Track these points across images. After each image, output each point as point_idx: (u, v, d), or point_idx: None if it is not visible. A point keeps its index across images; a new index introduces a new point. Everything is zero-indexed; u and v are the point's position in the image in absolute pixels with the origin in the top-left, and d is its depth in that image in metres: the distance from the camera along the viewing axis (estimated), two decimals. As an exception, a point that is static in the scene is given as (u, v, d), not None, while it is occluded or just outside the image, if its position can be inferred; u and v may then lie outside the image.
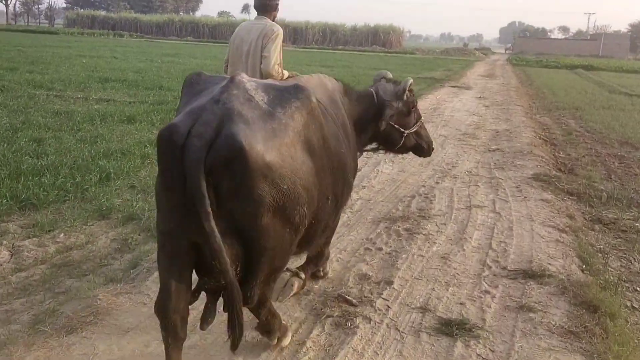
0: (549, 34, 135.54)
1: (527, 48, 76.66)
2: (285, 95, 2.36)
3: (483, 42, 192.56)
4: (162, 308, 2.26)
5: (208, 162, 2.03)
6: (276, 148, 2.17)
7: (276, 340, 2.89)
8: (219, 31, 78.59)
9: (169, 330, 2.29)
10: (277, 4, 4.47)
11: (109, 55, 26.61)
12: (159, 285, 2.32)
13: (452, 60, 45.99)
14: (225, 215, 2.12)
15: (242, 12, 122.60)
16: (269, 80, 2.89)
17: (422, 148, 3.97)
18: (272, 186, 2.15)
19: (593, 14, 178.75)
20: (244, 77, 2.37)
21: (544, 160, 7.87)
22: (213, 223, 2.01)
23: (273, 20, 4.42)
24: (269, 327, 2.84)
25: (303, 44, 74.32)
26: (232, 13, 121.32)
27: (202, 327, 2.47)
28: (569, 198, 6.21)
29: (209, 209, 2.00)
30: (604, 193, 6.39)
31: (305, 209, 2.33)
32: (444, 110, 13.27)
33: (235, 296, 2.17)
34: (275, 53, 4.21)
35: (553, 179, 6.77)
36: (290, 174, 2.21)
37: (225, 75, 3.03)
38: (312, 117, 2.43)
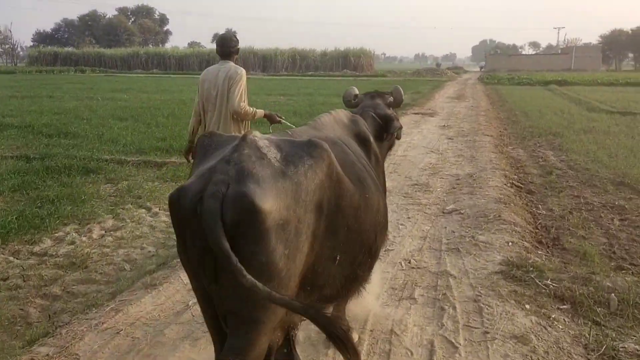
0: (520, 50, 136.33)
1: (498, 65, 76.07)
2: (299, 152, 2.27)
3: (456, 60, 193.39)
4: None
5: (224, 221, 1.97)
6: (286, 208, 2.08)
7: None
8: (187, 62, 76.88)
9: None
10: (238, 49, 5.01)
11: (45, 94, 24.46)
12: None
13: (423, 81, 44.24)
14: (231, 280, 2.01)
15: (212, 41, 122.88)
16: (283, 136, 2.56)
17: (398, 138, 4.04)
18: (281, 249, 2.06)
19: (562, 28, 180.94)
20: (256, 136, 2.31)
21: (517, 229, 5.53)
22: (248, 275, 1.90)
23: (235, 62, 4.95)
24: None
25: (273, 71, 73.24)
26: (202, 43, 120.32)
27: None
28: (559, 313, 3.84)
29: (239, 265, 1.90)
30: (613, 296, 4.05)
31: (310, 275, 2.30)
32: (397, 148, 10.97)
33: (323, 320, 2.16)
34: (239, 93, 4.74)
35: (531, 273, 4.40)
36: (297, 236, 2.13)
37: (237, 134, 2.70)
38: (327, 174, 2.30)
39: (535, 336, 3.44)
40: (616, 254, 5.29)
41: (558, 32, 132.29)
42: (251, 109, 4.87)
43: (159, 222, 5.99)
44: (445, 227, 5.68)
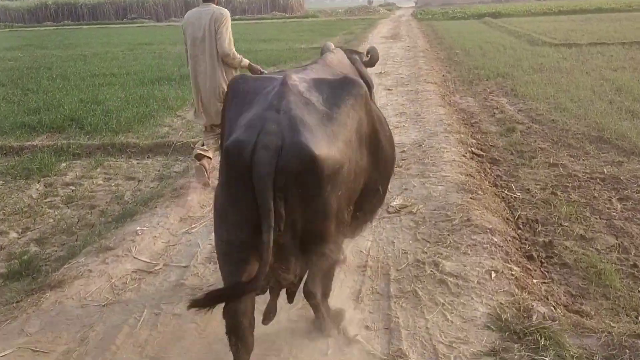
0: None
1: (431, 0, 74.05)
2: (338, 92, 2.30)
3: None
4: (231, 313, 2.21)
5: (278, 174, 1.98)
6: (338, 151, 2.12)
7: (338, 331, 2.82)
8: (101, 11, 69.99)
9: (238, 335, 2.25)
10: None
11: None
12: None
13: (355, 20, 41.69)
14: (290, 226, 2.07)
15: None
16: (317, 76, 2.53)
17: None
18: (334, 191, 2.12)
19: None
20: (295, 79, 2.30)
21: (495, 240, 3.73)
22: (272, 238, 1.95)
23: (217, 4, 4.93)
24: (328, 325, 2.79)
25: (196, 17, 68.05)
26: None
27: (264, 322, 2.58)
28: None
29: (272, 224, 1.96)
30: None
31: (352, 207, 2.34)
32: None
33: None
34: (227, 34, 4.76)
35: (545, 354, 2.63)
36: (348, 176, 2.19)
37: (271, 75, 2.60)
38: (365, 111, 2.37)
39: None
40: (631, 253, 3.71)
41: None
42: (238, 55, 4.84)
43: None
44: (393, 243, 3.85)
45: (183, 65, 16.15)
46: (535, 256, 3.71)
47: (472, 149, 6.15)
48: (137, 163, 6.62)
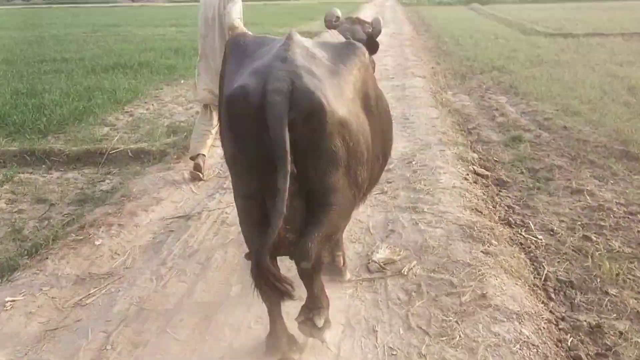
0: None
1: (416, -16, 72.48)
2: (343, 51, 2.31)
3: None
4: (261, 269, 2.04)
5: (290, 117, 1.93)
6: (345, 104, 2.11)
7: (322, 323, 2.39)
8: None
9: (272, 289, 2.09)
10: None
11: None
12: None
13: (341, 3, 40.10)
14: (298, 174, 2.01)
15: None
16: (321, 39, 2.72)
17: None
18: (343, 143, 2.07)
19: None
20: (300, 37, 2.27)
21: (525, 332, 2.53)
22: (288, 183, 1.89)
23: None
24: (320, 303, 2.43)
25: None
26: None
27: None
28: None
29: (289, 168, 1.89)
30: None
31: (365, 169, 2.28)
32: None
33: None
34: (235, 10, 4.70)
35: None
36: (356, 131, 2.14)
37: (272, 36, 2.57)
38: (368, 72, 2.39)
39: None
40: None
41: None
42: (246, 30, 4.53)
43: None
44: (375, 332, 2.61)
45: (146, 50, 14.75)
46: (584, 358, 2.51)
47: (474, 167, 4.93)
48: (57, 178, 5.27)
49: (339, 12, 3.50)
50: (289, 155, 1.87)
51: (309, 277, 2.35)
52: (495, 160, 5.34)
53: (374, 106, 2.40)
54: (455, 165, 4.80)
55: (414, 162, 4.90)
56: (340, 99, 2.07)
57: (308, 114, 1.96)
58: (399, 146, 5.44)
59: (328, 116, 1.97)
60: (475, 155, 5.32)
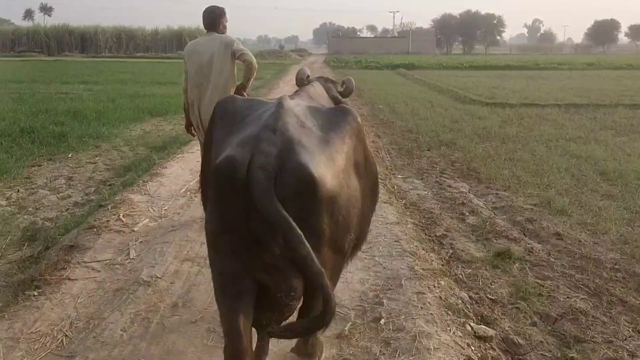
0: (358, 33, 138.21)
1: (341, 48, 74.55)
2: (334, 119, 2.26)
3: (299, 43, 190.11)
4: (236, 352, 2.03)
5: (277, 192, 1.87)
6: (337, 177, 2.05)
7: None
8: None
9: None
10: (221, 20, 4.89)
11: None
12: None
13: (266, 64, 39.12)
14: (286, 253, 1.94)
15: (24, 18, 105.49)
16: (311, 104, 2.53)
17: None
18: (332, 217, 2.02)
19: (397, 12, 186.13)
20: (290, 102, 2.25)
21: None
22: (307, 243, 1.82)
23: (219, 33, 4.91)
24: (312, 351, 2.68)
25: (94, 52, 63.49)
26: (12, 20, 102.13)
27: None
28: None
29: (300, 232, 1.81)
30: None
31: (353, 235, 2.25)
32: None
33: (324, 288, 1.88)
34: (246, 49, 4.74)
35: None
36: (347, 203, 2.11)
37: (263, 99, 2.51)
38: (359, 139, 2.34)
39: None
40: None
41: (394, 16, 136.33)
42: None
43: None
44: None
45: (37, 112, 12.11)
46: None
47: (471, 324, 3.25)
48: None
49: (308, 72, 3.53)
50: (292, 222, 1.79)
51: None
52: (491, 299, 3.72)
53: (364, 171, 2.33)
54: (445, 325, 3.09)
55: (382, 321, 3.14)
56: (331, 171, 2.00)
57: (298, 192, 1.88)
58: (355, 279, 3.70)
59: (320, 192, 1.91)
60: (465, 295, 3.67)
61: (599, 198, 6.09)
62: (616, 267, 4.21)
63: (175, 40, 66.52)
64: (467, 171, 7.52)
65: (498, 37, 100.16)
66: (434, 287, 3.62)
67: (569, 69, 34.84)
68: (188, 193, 6.26)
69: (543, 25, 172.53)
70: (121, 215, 5.43)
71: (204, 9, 5.00)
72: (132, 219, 5.39)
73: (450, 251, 4.58)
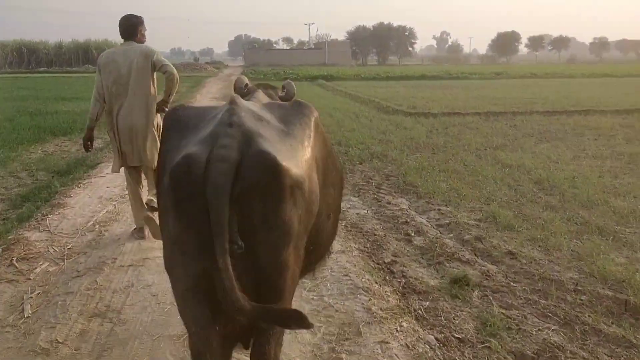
0: (274, 45, 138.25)
1: (258, 60, 73.85)
2: (291, 112, 2.20)
3: (214, 55, 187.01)
4: (201, 356, 1.92)
5: (236, 188, 1.74)
6: (300, 167, 1.94)
7: None
8: None
9: None
10: (139, 29, 4.76)
11: None
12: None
13: (183, 77, 37.71)
14: (247, 251, 1.79)
15: None
16: (264, 101, 2.59)
17: None
18: (297, 210, 1.89)
19: (313, 24, 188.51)
20: (243, 100, 2.15)
21: None
22: (228, 259, 1.68)
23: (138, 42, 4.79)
24: None
25: (-7, 67, 58.57)
26: None
27: None
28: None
29: (227, 245, 1.69)
30: None
31: (312, 236, 2.14)
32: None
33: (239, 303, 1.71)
34: (167, 61, 4.71)
35: None
36: (311, 196, 2.00)
37: (214, 105, 2.57)
38: (318, 132, 2.25)
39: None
40: None
41: (309, 28, 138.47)
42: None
43: None
44: None
45: None
46: None
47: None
48: None
49: (247, 80, 3.38)
50: (226, 232, 1.68)
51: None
52: (458, 339, 3.27)
53: (324, 166, 2.26)
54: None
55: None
56: (294, 161, 1.91)
57: (261, 181, 1.78)
58: (305, 341, 3.11)
59: (284, 180, 1.80)
60: (432, 338, 3.19)
61: (541, 209, 5.93)
62: (579, 288, 3.94)
63: (82, 53, 62.82)
64: (404, 185, 7.19)
65: (410, 49, 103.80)
66: (397, 331, 3.12)
67: (480, 78, 36.37)
68: (97, 227, 5.40)
69: (450, 37, 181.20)
70: (14, 259, 4.53)
71: (123, 16, 4.84)
72: (27, 263, 4.49)
73: (403, 280, 4.12)
